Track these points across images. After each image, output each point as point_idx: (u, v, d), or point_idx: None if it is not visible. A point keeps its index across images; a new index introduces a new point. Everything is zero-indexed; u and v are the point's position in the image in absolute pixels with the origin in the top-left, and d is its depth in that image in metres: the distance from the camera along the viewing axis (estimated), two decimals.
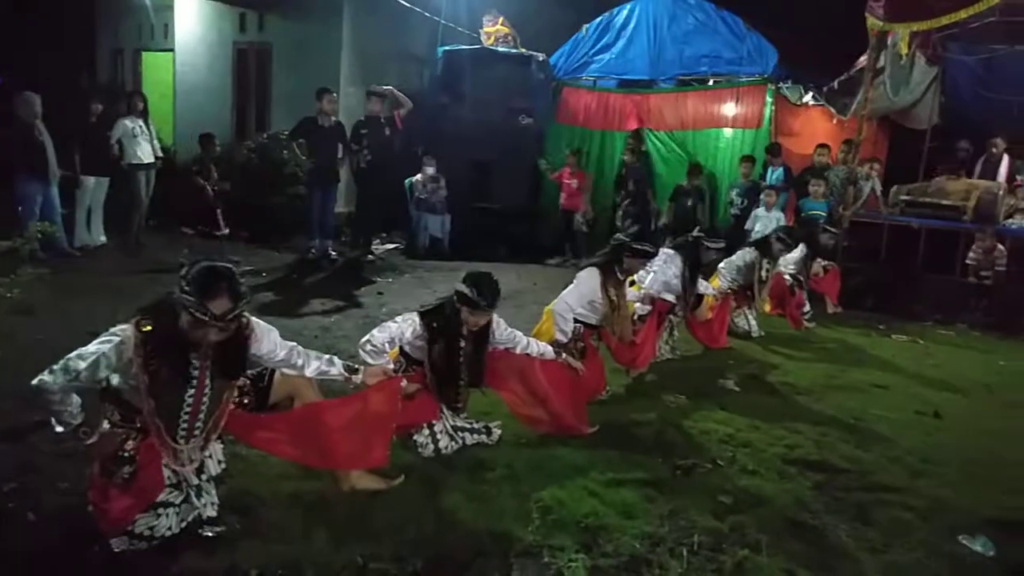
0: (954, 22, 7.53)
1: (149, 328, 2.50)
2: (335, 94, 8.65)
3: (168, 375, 2.53)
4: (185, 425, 2.63)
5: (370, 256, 9.06)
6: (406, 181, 9.66)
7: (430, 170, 9.65)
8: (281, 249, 8.86)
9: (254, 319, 2.81)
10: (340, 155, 8.69)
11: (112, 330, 2.53)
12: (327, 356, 3.10)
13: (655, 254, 4.86)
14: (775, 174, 9.26)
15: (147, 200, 8.43)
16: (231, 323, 2.56)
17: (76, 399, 2.58)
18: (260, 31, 11.10)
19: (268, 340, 2.83)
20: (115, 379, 2.62)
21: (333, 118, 8.54)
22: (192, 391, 2.61)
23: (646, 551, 2.87)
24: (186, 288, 2.46)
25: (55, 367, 2.50)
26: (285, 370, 2.98)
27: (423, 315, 3.55)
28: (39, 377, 2.50)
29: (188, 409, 2.61)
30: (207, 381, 2.63)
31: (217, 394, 2.68)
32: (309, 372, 3.00)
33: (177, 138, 11.92)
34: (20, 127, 7.21)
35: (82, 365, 2.47)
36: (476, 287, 3.48)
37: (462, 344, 3.60)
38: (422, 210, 9.70)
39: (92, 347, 2.50)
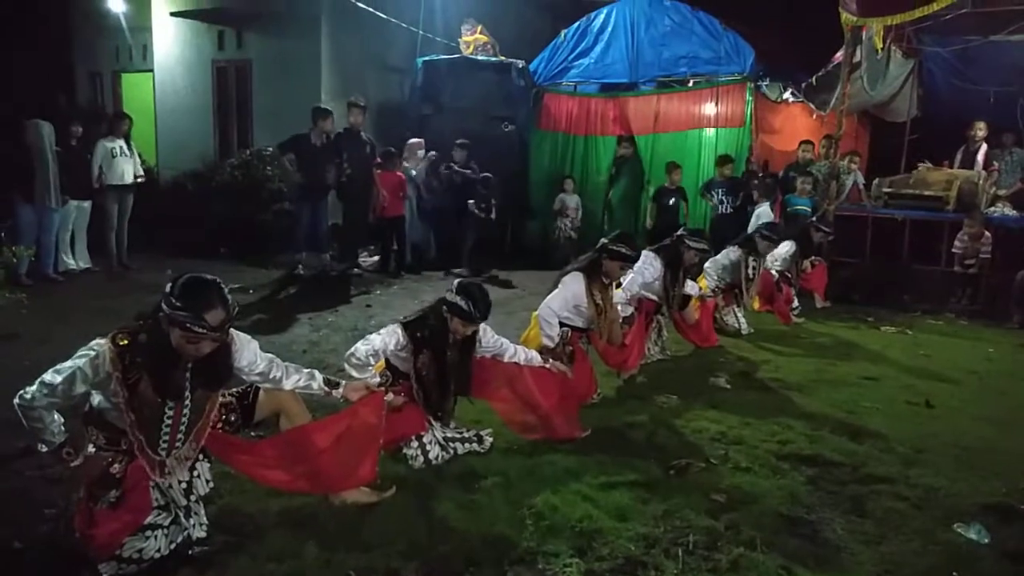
0: (927, 14, 7.60)
1: (126, 342, 2.46)
2: (331, 113, 8.56)
3: (148, 388, 2.49)
4: (167, 437, 2.59)
5: (357, 269, 9.02)
6: None
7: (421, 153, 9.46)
8: (269, 266, 8.81)
9: (233, 330, 2.75)
10: (332, 174, 8.61)
11: (89, 345, 2.50)
12: (308, 370, 3.06)
13: (634, 257, 4.61)
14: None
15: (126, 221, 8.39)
16: (225, 334, 2.52)
17: (58, 417, 2.54)
18: (239, 48, 11.07)
19: (248, 351, 2.80)
20: (96, 399, 2.59)
21: (326, 136, 8.50)
22: (172, 403, 2.56)
23: (641, 553, 2.85)
24: (176, 303, 2.38)
25: (35, 383, 2.47)
26: (265, 385, 2.93)
27: (406, 326, 3.50)
28: (19, 393, 2.47)
29: (169, 421, 2.57)
30: (187, 393, 2.59)
31: (198, 405, 2.64)
32: (288, 385, 2.95)
33: (160, 158, 11.86)
34: (29, 153, 7.30)
35: (58, 379, 2.43)
36: (470, 298, 3.40)
37: (448, 353, 3.56)
38: (421, 216, 9.55)
39: (69, 362, 2.47)
